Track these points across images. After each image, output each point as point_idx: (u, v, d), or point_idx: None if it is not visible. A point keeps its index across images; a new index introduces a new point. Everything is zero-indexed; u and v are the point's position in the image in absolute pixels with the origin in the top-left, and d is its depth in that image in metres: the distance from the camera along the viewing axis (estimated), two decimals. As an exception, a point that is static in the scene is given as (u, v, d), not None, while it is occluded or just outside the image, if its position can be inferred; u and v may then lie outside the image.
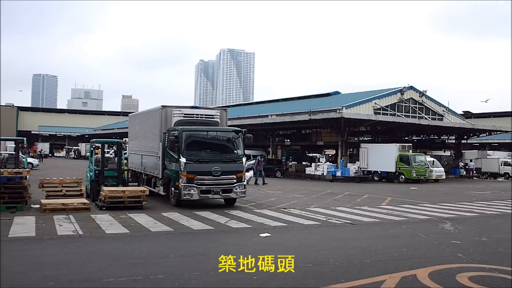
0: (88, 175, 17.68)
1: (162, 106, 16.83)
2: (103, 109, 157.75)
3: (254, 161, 40.24)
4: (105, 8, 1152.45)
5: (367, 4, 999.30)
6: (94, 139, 18.26)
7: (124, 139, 26.10)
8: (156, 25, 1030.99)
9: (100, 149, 17.83)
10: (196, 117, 16.68)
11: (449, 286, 6.52)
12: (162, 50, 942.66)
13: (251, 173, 27.49)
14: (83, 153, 66.61)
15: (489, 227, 12.51)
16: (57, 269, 7.18)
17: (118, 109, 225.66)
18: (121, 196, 14.40)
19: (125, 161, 19.98)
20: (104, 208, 14.05)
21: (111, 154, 32.40)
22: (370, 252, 8.87)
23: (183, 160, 14.86)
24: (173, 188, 15.45)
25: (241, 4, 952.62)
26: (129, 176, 19.17)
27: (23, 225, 11.15)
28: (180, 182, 14.84)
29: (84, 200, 14.63)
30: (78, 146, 74.90)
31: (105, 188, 14.86)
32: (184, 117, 16.48)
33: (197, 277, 6.83)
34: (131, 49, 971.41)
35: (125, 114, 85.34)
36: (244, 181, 15.71)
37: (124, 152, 21.08)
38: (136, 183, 19.74)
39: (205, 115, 16.93)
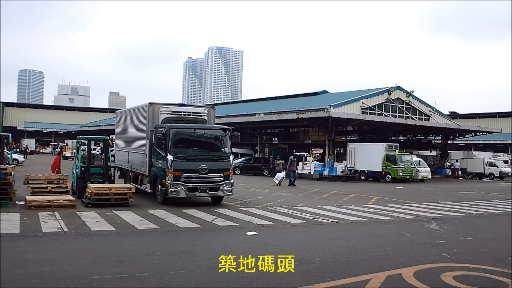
0: (74, 172, 17.56)
1: (149, 103, 16.73)
2: (90, 106, 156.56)
3: (241, 159, 40.40)
4: (95, 5, 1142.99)
5: (356, 4, 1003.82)
6: (80, 136, 18.11)
7: (111, 136, 25.94)
8: (146, 22, 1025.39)
9: (86, 146, 17.68)
10: (183, 114, 16.60)
11: (434, 285, 6.56)
12: (151, 47, 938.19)
13: (283, 173, 26.95)
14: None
15: (474, 227, 12.63)
16: (41, 266, 7.11)
17: (105, 106, 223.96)
18: (107, 193, 14.31)
19: (112, 158, 19.85)
20: (90, 205, 13.95)
21: (97, 151, 32.15)
22: (356, 251, 8.92)
23: (170, 157, 14.80)
24: (159, 186, 15.38)
25: (230, 2, 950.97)
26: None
27: (8, 222, 11.01)
28: (167, 179, 14.78)
29: (70, 197, 14.51)
30: (64, 142, 74.25)
31: (91, 185, 14.76)
32: (171, 114, 16.41)
33: (183, 275, 6.80)
34: (120, 46, 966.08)
35: (112, 111, 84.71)
36: (231, 179, 15.68)
37: (111, 149, 20.94)
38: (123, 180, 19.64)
39: (192, 112, 16.86)
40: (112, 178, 17.44)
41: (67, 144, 71.39)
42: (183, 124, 15.95)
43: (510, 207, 18.19)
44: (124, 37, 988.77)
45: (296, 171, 27.24)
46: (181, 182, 14.73)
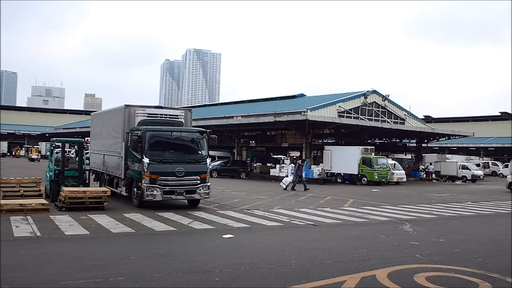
0: (48, 175, 17.26)
1: (125, 105, 16.58)
2: (65, 108, 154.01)
3: (218, 162, 40.32)
4: (73, 5, 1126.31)
5: (333, 9, 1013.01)
6: (54, 138, 17.83)
7: (86, 138, 25.59)
8: (123, 24, 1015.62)
9: (60, 148, 17.42)
10: (160, 117, 16.51)
11: (407, 286, 6.66)
12: (128, 49, 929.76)
13: (290, 178, 26.41)
14: (43, 153, 65.16)
15: (447, 229, 12.85)
16: (12, 272, 6.96)
17: (80, 108, 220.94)
18: (82, 196, 14.10)
19: (87, 160, 19.60)
20: (64, 209, 13.74)
21: (72, 154, 31.71)
22: (331, 253, 8.99)
23: (146, 160, 14.69)
24: (135, 189, 15.25)
25: (209, 3, 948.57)
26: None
27: (-22, 226, 10.76)
28: (143, 182, 14.66)
29: (43, 201, 14.23)
30: (38, 145, 73.03)
31: (65, 189, 14.53)
32: (147, 117, 16.31)
33: (158, 279, 6.75)
34: (96, 47, 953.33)
35: (87, 113, 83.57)
36: (208, 182, 15.64)
37: (86, 151, 20.67)
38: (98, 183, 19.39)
39: (169, 115, 16.78)
40: (87, 181, 17.21)
41: (33, 146, 70.52)
42: (159, 126, 15.85)
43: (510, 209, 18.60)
44: (101, 38, 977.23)
45: (303, 176, 26.35)
46: (157, 185, 14.63)
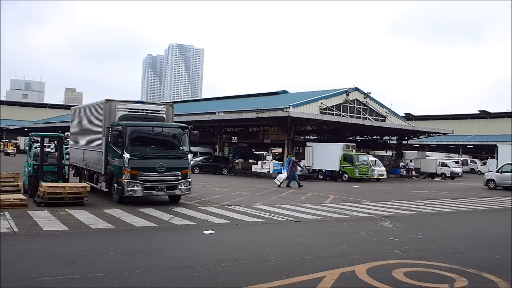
0: (26, 170, 17.02)
1: (106, 100, 16.41)
2: (45, 102, 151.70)
3: (200, 158, 40.19)
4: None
5: (314, 7, 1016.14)
6: (33, 133, 17.57)
7: (66, 133, 25.29)
8: (106, 17, 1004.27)
9: (39, 143, 17.18)
10: (141, 112, 16.39)
11: (386, 281, 6.74)
12: (110, 44, 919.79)
13: (284, 175, 26.19)
14: (22, 147, 64.28)
15: (425, 225, 13.02)
16: (-12, 268, 6.85)
17: (61, 102, 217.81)
18: (61, 192, 13.94)
19: (67, 156, 19.37)
20: (43, 205, 13.56)
21: (51, 149, 31.31)
22: (311, 249, 9.04)
23: (126, 155, 14.57)
24: (116, 184, 15.12)
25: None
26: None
27: (-47, 222, 10.56)
28: (123, 178, 14.55)
29: (21, 196, 14.03)
30: (16, 139, 71.93)
31: (44, 184, 14.34)
32: (129, 111, 16.17)
33: (138, 275, 6.71)
34: (79, 41, 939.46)
35: (68, 107, 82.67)
36: (189, 178, 15.58)
37: (66, 146, 20.42)
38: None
39: (150, 110, 16.66)
40: (66, 176, 17.02)
41: (9, 141, 69.65)
42: (140, 121, 15.74)
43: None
44: (83, 31, 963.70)
45: (296, 173, 26.14)
46: (138, 181, 14.54)
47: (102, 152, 16.02)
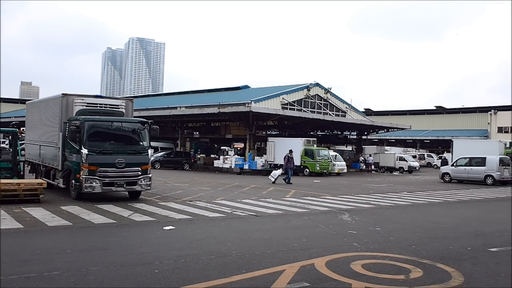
0: (-21, 166, 16.41)
1: (63, 94, 15.99)
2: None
3: (161, 153, 39.77)
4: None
5: (277, 2, 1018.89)
6: (-15, 128, 16.96)
7: (21, 128, 24.50)
8: (63, 12, 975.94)
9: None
10: (99, 106, 16.06)
11: (344, 273, 6.86)
12: (68, 37, 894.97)
13: (279, 171, 25.91)
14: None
15: (383, 218, 13.32)
16: None
17: (16, 96, 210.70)
18: (16, 189, 13.51)
19: (22, 151, 18.80)
20: (-4, 202, 13.11)
21: (6, 145, 30.30)
22: (272, 243, 9.10)
23: (84, 151, 14.25)
24: (73, 181, 14.77)
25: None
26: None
27: None
28: (81, 174, 14.23)
29: (-27, 193, 13.53)
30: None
31: (-3, 181, 13.86)
32: (86, 106, 15.81)
33: (95, 273, 6.59)
34: (36, 34, 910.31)
35: (23, 102, 79.98)
36: (149, 174, 15.39)
37: (21, 142, 19.80)
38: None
39: (109, 105, 16.34)
40: (22, 172, 16.54)
41: None
42: (98, 116, 15.41)
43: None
44: (40, 25, 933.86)
45: (291, 169, 26.02)
46: (96, 177, 14.26)
47: (59, 148, 15.61)
